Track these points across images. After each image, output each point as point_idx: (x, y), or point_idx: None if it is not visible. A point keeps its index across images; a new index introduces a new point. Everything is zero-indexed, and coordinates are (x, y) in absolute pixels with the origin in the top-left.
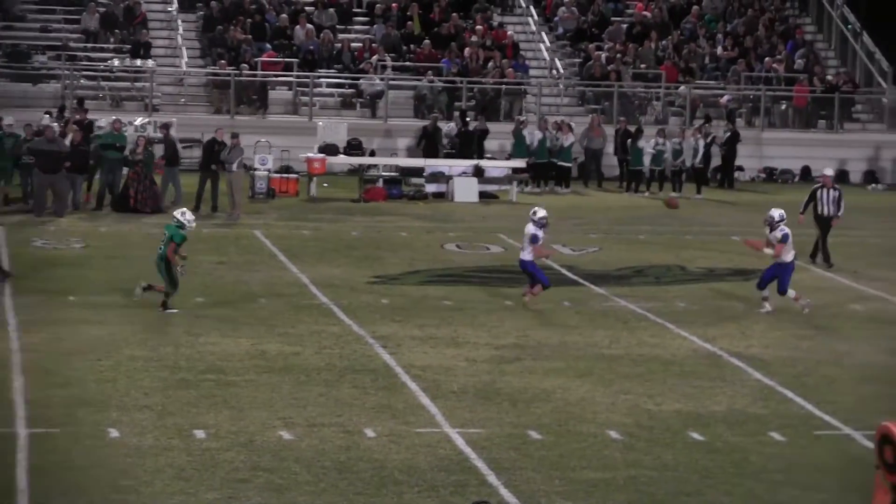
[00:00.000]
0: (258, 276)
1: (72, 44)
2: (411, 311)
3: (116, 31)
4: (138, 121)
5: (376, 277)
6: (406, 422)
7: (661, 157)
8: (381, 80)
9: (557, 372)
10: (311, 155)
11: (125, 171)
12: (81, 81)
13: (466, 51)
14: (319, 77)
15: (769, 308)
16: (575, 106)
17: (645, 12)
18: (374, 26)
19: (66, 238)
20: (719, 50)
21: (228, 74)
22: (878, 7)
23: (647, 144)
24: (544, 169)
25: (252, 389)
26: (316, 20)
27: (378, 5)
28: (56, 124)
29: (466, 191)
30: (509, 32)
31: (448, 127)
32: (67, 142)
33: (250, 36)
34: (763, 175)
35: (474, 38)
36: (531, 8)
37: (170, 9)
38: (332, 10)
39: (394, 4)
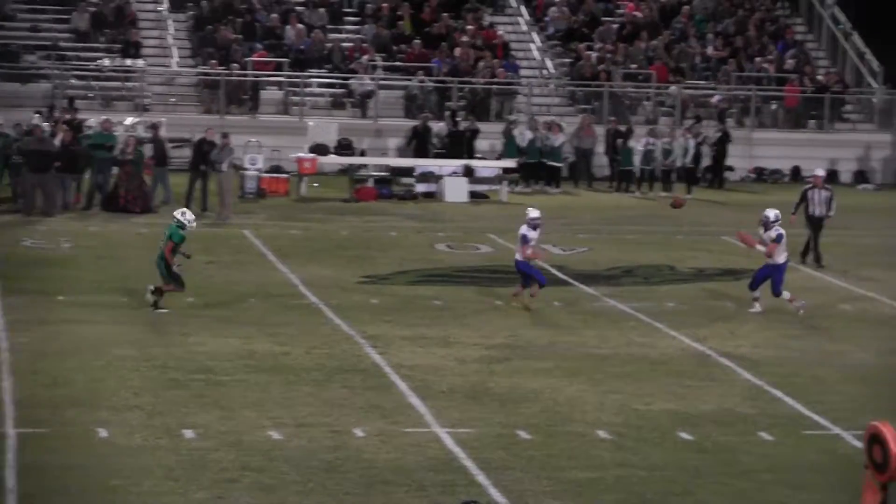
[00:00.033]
0: (248, 276)
1: (62, 43)
2: (401, 310)
3: (107, 30)
4: (128, 120)
5: (366, 277)
6: (395, 422)
7: (651, 156)
8: (372, 79)
9: (547, 372)
10: (301, 155)
11: (115, 170)
12: (71, 81)
13: (457, 51)
14: (310, 77)
15: (759, 308)
16: (565, 106)
17: (636, 12)
18: (365, 26)
19: (56, 238)
20: (710, 50)
21: (219, 74)
22: (869, 7)
23: (638, 144)
24: (534, 169)
25: (241, 389)
26: (306, 20)
27: (369, 5)
28: (46, 124)
29: (456, 191)
30: (500, 32)
31: (438, 127)
32: (57, 141)
33: (241, 36)
34: (753, 175)
35: (465, 38)
36: (522, 8)
37: (160, 8)
38: (322, 9)
39: (384, 4)
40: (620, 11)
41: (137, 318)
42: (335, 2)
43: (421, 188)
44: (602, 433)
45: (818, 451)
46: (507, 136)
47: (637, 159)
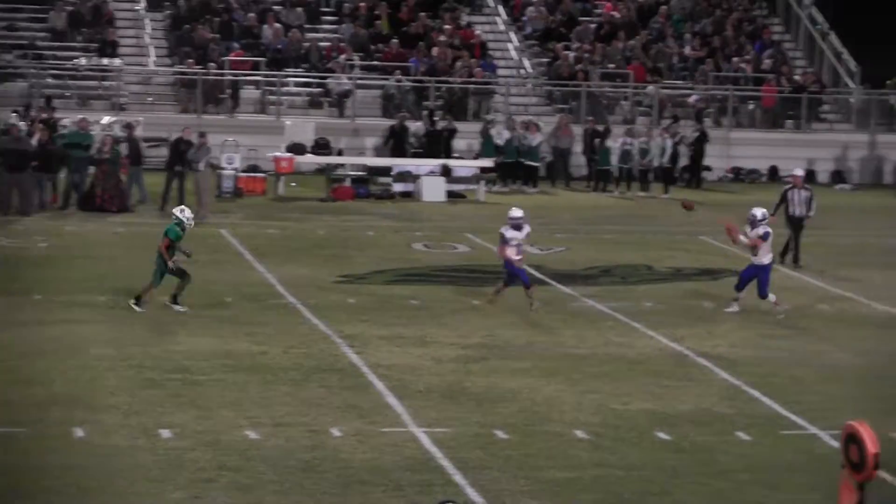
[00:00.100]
0: (225, 275)
1: (39, 42)
2: (378, 310)
3: (84, 29)
4: (105, 119)
5: (343, 277)
6: (372, 421)
7: (628, 156)
8: (349, 79)
9: (524, 371)
10: (278, 154)
11: (91, 170)
12: (48, 80)
13: (435, 50)
14: (287, 76)
15: (736, 308)
16: (543, 105)
17: (613, 12)
18: (343, 25)
19: (33, 237)
20: (687, 50)
21: (196, 73)
22: (846, 8)
23: (615, 144)
24: (512, 168)
25: (219, 389)
26: (284, 19)
27: (346, 4)
28: (23, 123)
29: (434, 190)
30: (477, 32)
31: (416, 126)
32: (34, 141)
33: (218, 35)
34: (731, 175)
35: (442, 38)
36: (499, 7)
37: (137, 7)
38: (300, 9)
39: (362, 4)
40: (598, 11)
41: (114, 318)
42: (312, 1)
43: (398, 188)
44: (580, 433)
45: (796, 451)
46: (485, 135)
47: (615, 159)
